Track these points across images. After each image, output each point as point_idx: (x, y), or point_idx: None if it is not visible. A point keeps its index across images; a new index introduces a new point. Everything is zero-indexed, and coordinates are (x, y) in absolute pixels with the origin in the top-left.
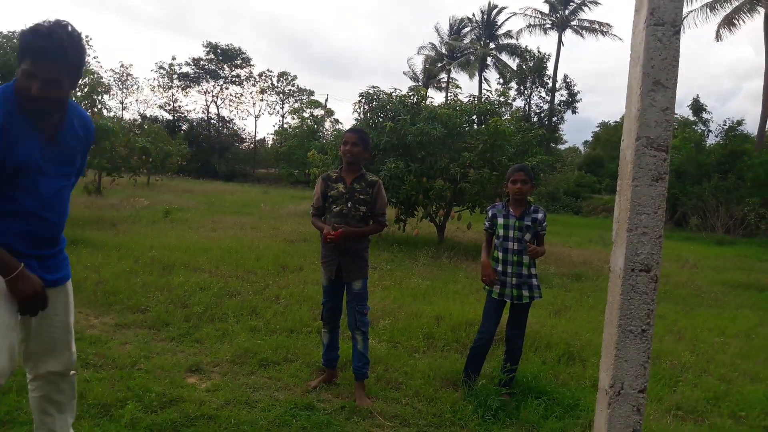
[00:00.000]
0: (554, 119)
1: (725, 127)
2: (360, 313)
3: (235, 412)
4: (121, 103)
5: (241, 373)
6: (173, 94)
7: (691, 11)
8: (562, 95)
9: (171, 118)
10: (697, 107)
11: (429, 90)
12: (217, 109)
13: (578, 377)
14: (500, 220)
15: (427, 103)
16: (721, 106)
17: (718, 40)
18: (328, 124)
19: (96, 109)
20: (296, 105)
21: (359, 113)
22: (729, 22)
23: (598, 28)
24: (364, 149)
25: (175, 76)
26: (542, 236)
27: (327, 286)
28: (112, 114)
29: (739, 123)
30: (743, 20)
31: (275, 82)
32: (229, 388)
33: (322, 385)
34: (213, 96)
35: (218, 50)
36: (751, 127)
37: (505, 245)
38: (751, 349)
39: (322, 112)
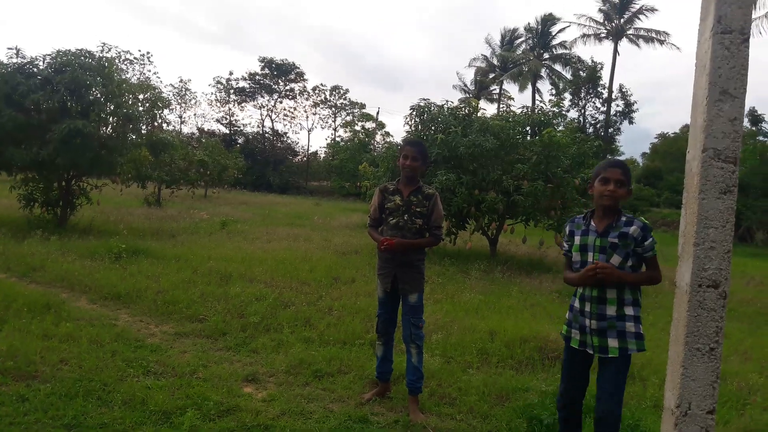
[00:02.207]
0: (610, 130)
1: None
2: (415, 326)
3: (290, 422)
4: (180, 117)
5: (296, 383)
6: (230, 109)
7: (755, 18)
8: (618, 105)
9: (227, 131)
10: (755, 118)
11: (480, 102)
12: (272, 123)
13: (639, 397)
14: (577, 239)
15: (479, 114)
16: None
17: None
18: (379, 137)
19: (156, 124)
20: (348, 118)
21: (410, 126)
22: None
23: (656, 37)
24: (423, 163)
25: (232, 91)
26: (649, 259)
27: (382, 297)
28: (171, 128)
29: None
30: None
31: (328, 96)
32: (285, 398)
33: (375, 398)
34: (268, 110)
35: (273, 65)
36: None
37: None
38: None
39: (374, 125)
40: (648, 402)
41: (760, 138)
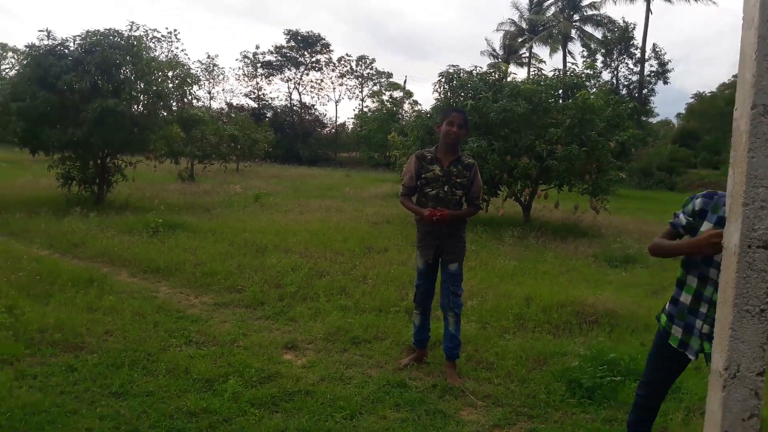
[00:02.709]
0: (644, 91)
1: None
2: (454, 294)
3: (330, 387)
4: (209, 93)
5: (334, 350)
6: (257, 83)
7: None
8: (651, 66)
9: (256, 106)
10: None
11: (510, 66)
12: (299, 95)
13: None
14: (708, 225)
15: (510, 79)
16: None
17: None
18: (407, 106)
19: (186, 100)
20: (375, 88)
21: (439, 93)
22: None
23: None
24: (466, 131)
25: (259, 65)
26: None
27: (423, 269)
28: (200, 104)
29: None
30: None
31: (354, 66)
32: (324, 364)
33: (413, 364)
34: (295, 83)
35: (299, 37)
36: None
37: (704, 271)
38: None
39: (401, 94)
40: (691, 364)
41: None
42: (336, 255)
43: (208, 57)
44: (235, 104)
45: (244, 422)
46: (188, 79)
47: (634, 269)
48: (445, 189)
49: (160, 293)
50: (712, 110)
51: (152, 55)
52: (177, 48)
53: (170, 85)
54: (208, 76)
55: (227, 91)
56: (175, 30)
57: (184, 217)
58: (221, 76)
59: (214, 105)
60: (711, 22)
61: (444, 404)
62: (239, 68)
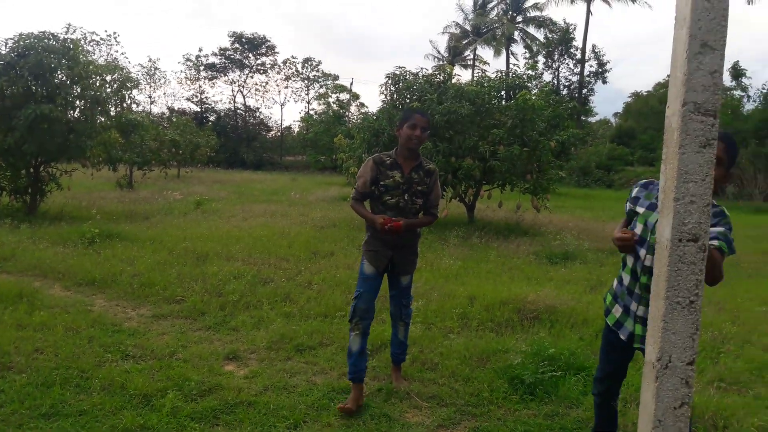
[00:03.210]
0: (584, 91)
1: (764, 92)
2: (406, 306)
3: (273, 397)
4: (150, 97)
5: (277, 359)
6: (200, 86)
7: None
8: (591, 66)
9: (198, 109)
10: (738, 73)
11: (455, 68)
12: (243, 98)
13: None
14: (641, 209)
15: (454, 81)
16: (763, 68)
17: (749, 4)
18: (353, 108)
19: (126, 105)
20: (321, 90)
21: (386, 95)
22: None
23: None
24: (428, 133)
25: (202, 68)
26: (714, 251)
27: (371, 275)
28: (140, 108)
29: None
30: None
31: (300, 69)
32: (267, 374)
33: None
34: (239, 86)
35: (243, 39)
36: None
37: (637, 252)
38: None
39: (348, 96)
40: None
41: (738, 92)
42: (280, 261)
43: (150, 60)
44: (176, 108)
45: None
46: (127, 83)
47: (573, 266)
48: (406, 197)
49: (96, 306)
50: (647, 109)
51: (90, 58)
52: (116, 51)
53: (108, 90)
54: (149, 80)
55: (169, 95)
56: (114, 33)
57: (122, 226)
58: (163, 80)
59: (155, 109)
60: (648, 23)
61: (389, 408)
62: (181, 71)
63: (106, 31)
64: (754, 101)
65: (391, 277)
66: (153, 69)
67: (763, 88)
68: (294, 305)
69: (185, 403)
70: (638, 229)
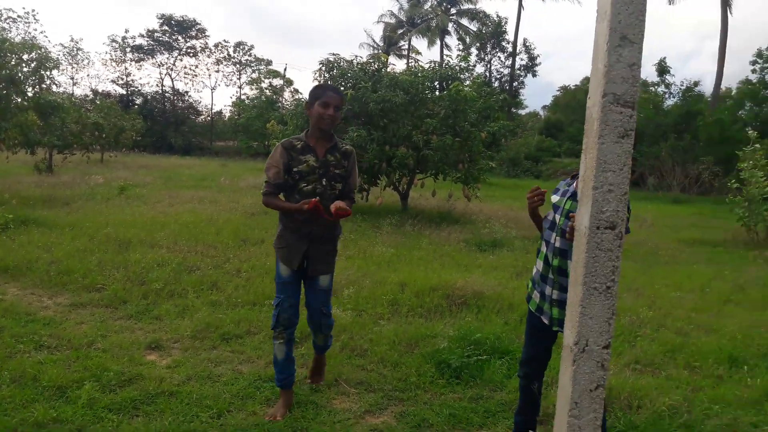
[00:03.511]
0: (515, 84)
1: (683, 88)
2: (326, 315)
3: (197, 387)
4: (72, 78)
5: (202, 348)
6: (126, 68)
7: None
8: (521, 60)
9: (124, 92)
10: (663, 69)
11: (390, 58)
12: (172, 82)
13: None
14: (555, 198)
15: (389, 70)
16: (682, 66)
17: (671, 4)
18: (287, 94)
19: (44, 86)
20: (254, 75)
21: (320, 81)
22: None
23: None
24: (341, 112)
25: (128, 49)
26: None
27: (287, 278)
28: (62, 90)
29: (696, 84)
30: None
31: (231, 53)
32: (191, 363)
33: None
34: (167, 69)
35: (172, 21)
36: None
37: (547, 236)
38: (706, 302)
39: (281, 82)
40: None
41: (661, 89)
42: (208, 248)
43: (72, 40)
44: (101, 91)
45: (99, 430)
46: (46, 63)
47: (501, 253)
48: (323, 183)
49: (8, 295)
50: (575, 103)
51: (5, 36)
52: (35, 29)
53: (25, 69)
54: (70, 61)
55: (93, 77)
56: (33, 10)
57: (39, 211)
58: (86, 61)
59: (78, 91)
60: (578, 19)
61: (316, 395)
62: (106, 52)
63: (24, 8)
64: (674, 97)
65: (307, 279)
66: (75, 49)
67: (682, 85)
68: (221, 293)
69: (103, 394)
70: (550, 216)
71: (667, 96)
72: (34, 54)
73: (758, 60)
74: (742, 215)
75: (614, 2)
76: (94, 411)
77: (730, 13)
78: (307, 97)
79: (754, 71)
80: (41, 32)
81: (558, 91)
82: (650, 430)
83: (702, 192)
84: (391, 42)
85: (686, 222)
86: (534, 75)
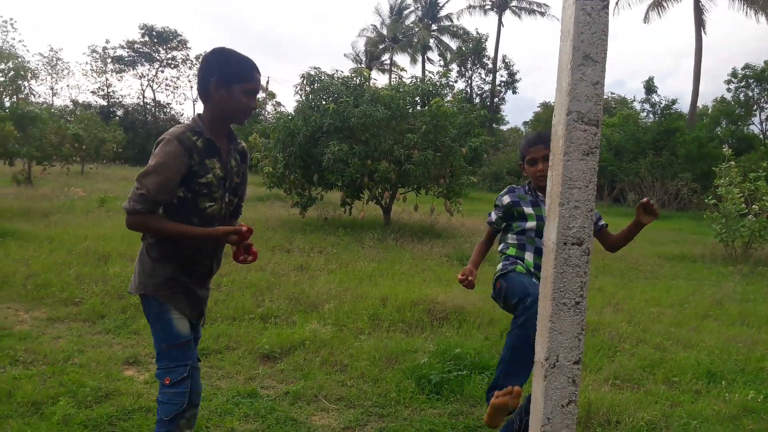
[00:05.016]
0: (495, 100)
1: (661, 106)
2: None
3: None
4: (51, 89)
5: None
6: (107, 79)
7: None
8: (502, 76)
9: (105, 103)
10: (650, 88)
11: (372, 72)
12: (153, 93)
13: None
14: (528, 209)
15: (370, 84)
16: (661, 84)
17: (646, 22)
18: (270, 107)
19: (22, 96)
20: None
21: (301, 95)
22: (659, 4)
23: (537, 9)
24: None
25: (109, 60)
26: (602, 228)
27: (186, 336)
28: (41, 100)
29: (674, 102)
30: (672, 3)
31: None
32: None
33: (265, 372)
34: (148, 80)
35: (153, 32)
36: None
37: (538, 244)
38: (684, 317)
39: (264, 95)
40: None
41: (647, 106)
42: None
43: (51, 50)
44: (81, 102)
45: None
46: (23, 72)
47: (482, 267)
48: (227, 199)
49: None
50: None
51: None
52: (13, 38)
53: (1, 79)
54: (50, 71)
55: (73, 88)
56: (11, 19)
57: (18, 224)
58: (66, 71)
59: (57, 102)
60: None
61: (296, 411)
62: (86, 63)
63: (1, 17)
64: (657, 115)
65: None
66: (55, 59)
67: (661, 103)
68: None
69: (78, 410)
70: (534, 223)
71: (650, 114)
72: (10, 63)
73: (733, 79)
74: (720, 231)
75: (577, 22)
76: (69, 427)
77: (705, 33)
78: (213, 69)
79: (729, 90)
80: (20, 41)
81: (539, 107)
82: None
83: (681, 208)
84: (373, 57)
85: (666, 237)
86: (514, 92)
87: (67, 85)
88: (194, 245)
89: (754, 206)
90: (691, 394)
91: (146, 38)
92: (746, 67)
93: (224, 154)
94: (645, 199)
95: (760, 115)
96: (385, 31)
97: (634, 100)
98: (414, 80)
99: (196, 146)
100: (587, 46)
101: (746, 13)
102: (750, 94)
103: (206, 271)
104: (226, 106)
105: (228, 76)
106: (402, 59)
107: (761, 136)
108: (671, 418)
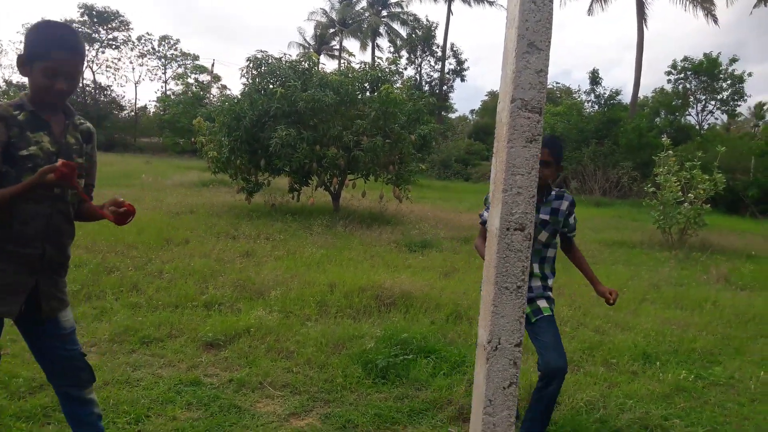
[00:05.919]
0: (444, 88)
1: (605, 96)
2: (88, 381)
3: (114, 392)
4: None
5: (120, 351)
6: None
7: None
8: (450, 64)
9: None
10: (595, 79)
11: (321, 57)
12: (93, 75)
13: (465, 335)
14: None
15: (319, 69)
16: (606, 74)
17: (589, 14)
18: (215, 90)
19: None
20: (180, 70)
21: (247, 78)
22: None
23: None
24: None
25: None
26: (570, 239)
27: None
28: None
29: (617, 92)
30: None
31: (156, 46)
32: (108, 368)
33: (209, 360)
34: (88, 62)
35: (93, 12)
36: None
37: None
38: (623, 301)
39: (209, 77)
40: (473, 339)
41: (591, 97)
42: (128, 249)
43: None
44: (15, 82)
45: None
46: None
47: (430, 253)
48: None
49: None
50: None
51: None
52: None
53: None
54: None
55: (6, 67)
56: None
57: None
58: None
59: None
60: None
61: (240, 398)
62: (21, 41)
63: None
64: (602, 106)
65: (38, 325)
66: None
67: (605, 93)
68: (142, 295)
69: (11, 401)
70: None
71: (594, 104)
72: None
73: (672, 71)
74: (657, 218)
75: (522, 9)
76: (1, 420)
77: (646, 26)
78: (26, 44)
79: (669, 81)
80: None
81: (486, 95)
82: (568, 425)
83: (622, 195)
84: (322, 41)
85: (606, 224)
86: (462, 80)
87: (0, 65)
88: (17, 220)
89: (689, 194)
90: (628, 375)
91: (86, 18)
92: (685, 59)
93: (56, 129)
94: (612, 301)
95: (696, 106)
96: (335, 16)
97: (579, 90)
98: (363, 66)
99: (16, 119)
100: (532, 34)
101: (686, 7)
102: (688, 86)
103: (37, 255)
104: (32, 84)
105: (30, 53)
106: (352, 44)
107: (697, 127)
108: (609, 398)
